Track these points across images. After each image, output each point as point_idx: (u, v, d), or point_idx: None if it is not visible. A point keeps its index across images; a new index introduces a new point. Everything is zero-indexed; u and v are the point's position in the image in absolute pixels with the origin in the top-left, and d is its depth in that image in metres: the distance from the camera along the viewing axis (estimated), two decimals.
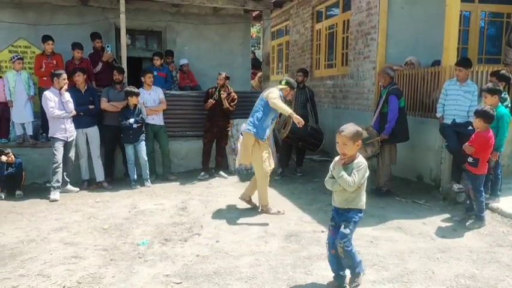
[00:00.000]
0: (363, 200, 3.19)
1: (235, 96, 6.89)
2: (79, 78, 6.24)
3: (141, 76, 6.85)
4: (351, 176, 3.03)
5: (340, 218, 3.18)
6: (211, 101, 6.70)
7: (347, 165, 3.10)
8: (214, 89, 6.83)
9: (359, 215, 3.17)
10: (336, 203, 3.23)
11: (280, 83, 5.37)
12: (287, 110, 4.92)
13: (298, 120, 4.79)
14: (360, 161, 3.10)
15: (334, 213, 3.27)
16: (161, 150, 6.91)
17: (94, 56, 7.29)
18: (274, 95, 4.96)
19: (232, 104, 6.84)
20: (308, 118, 7.13)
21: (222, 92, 6.75)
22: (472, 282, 3.37)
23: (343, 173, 3.04)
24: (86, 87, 6.37)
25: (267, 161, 5.05)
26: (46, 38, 6.67)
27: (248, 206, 5.36)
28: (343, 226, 3.12)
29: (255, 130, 5.00)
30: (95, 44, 7.30)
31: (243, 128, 5.49)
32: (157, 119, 6.80)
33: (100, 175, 6.40)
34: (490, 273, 3.52)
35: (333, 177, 3.12)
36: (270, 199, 5.31)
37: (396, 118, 5.57)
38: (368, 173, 3.14)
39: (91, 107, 6.25)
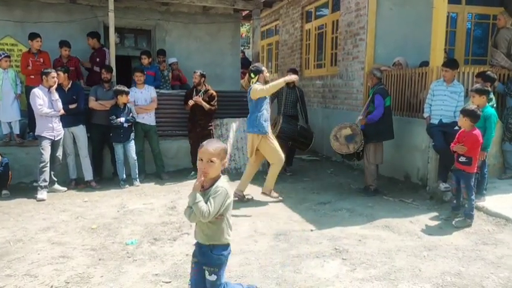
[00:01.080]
0: (228, 234, 2.66)
1: (214, 94, 6.84)
2: (58, 77, 6.08)
3: (132, 74, 6.83)
4: (207, 203, 2.47)
5: (203, 258, 2.63)
6: (191, 102, 6.66)
7: (206, 190, 2.54)
8: (191, 90, 6.80)
9: (225, 252, 2.65)
10: (197, 237, 2.68)
11: (250, 76, 5.53)
12: (279, 82, 5.41)
13: (292, 78, 5.49)
14: (220, 185, 2.53)
15: (196, 248, 2.72)
16: (152, 150, 6.88)
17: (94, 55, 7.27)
18: (258, 88, 5.35)
19: (212, 102, 6.81)
20: (298, 118, 7.18)
21: (197, 94, 6.70)
22: (458, 279, 3.42)
23: (200, 199, 2.46)
24: (69, 86, 6.28)
25: (277, 148, 5.57)
26: (34, 36, 6.58)
27: (236, 204, 5.37)
28: (207, 272, 2.62)
29: (256, 129, 5.43)
30: (92, 44, 7.26)
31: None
32: (147, 118, 6.76)
33: (88, 174, 6.35)
34: (476, 270, 3.58)
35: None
36: (258, 199, 5.54)
37: (381, 115, 5.65)
38: (230, 200, 2.58)
39: (71, 106, 6.10)
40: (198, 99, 6.64)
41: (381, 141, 5.84)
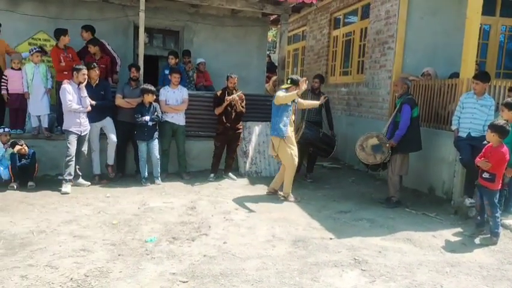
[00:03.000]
0: None
1: (243, 96, 6.89)
2: (96, 72, 6.32)
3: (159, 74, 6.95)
4: None
5: None
6: (228, 99, 6.63)
7: None
8: (221, 92, 6.79)
9: None
10: None
11: (286, 82, 5.90)
12: (291, 94, 5.62)
13: (302, 90, 5.57)
14: None
15: None
16: (178, 149, 6.94)
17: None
18: (279, 95, 5.72)
19: (242, 104, 6.85)
20: (322, 124, 7.11)
21: (234, 96, 6.70)
22: None
23: None
24: (97, 82, 6.41)
25: (293, 153, 5.83)
26: (64, 31, 6.70)
27: (256, 208, 5.41)
28: None
29: (275, 132, 5.81)
30: (86, 37, 7.22)
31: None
32: (176, 118, 6.81)
33: (110, 159, 6.55)
34: None
35: None
36: (277, 205, 5.61)
37: (408, 127, 5.54)
38: None
39: (93, 102, 6.18)
40: (236, 97, 6.68)
41: (408, 152, 5.72)
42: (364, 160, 5.72)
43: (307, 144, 6.67)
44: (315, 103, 6.42)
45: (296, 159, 5.86)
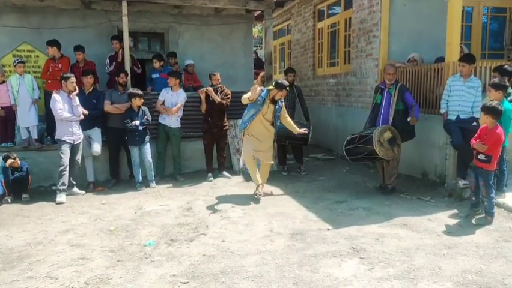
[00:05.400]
0: None
1: (228, 92, 6.88)
2: (90, 80, 6.34)
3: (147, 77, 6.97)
4: None
5: None
6: (202, 90, 6.68)
7: None
8: (203, 89, 6.79)
9: None
10: None
11: (273, 86, 5.76)
12: (244, 97, 5.65)
13: (253, 97, 5.54)
14: None
15: None
16: (172, 151, 6.93)
17: (113, 57, 7.38)
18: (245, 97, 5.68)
19: (225, 97, 6.81)
20: (294, 117, 7.08)
21: (207, 87, 6.72)
22: (479, 277, 3.36)
23: None
24: (91, 90, 6.40)
25: (243, 144, 5.92)
26: (47, 43, 6.71)
27: (252, 204, 5.43)
28: None
29: (239, 123, 5.92)
30: (114, 45, 7.34)
31: None
32: (169, 120, 6.79)
33: (90, 176, 6.51)
34: (497, 268, 3.51)
35: None
36: (274, 198, 5.65)
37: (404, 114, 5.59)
38: None
39: (85, 112, 6.16)
40: (210, 88, 6.67)
41: (411, 138, 5.76)
42: (385, 156, 5.42)
43: (281, 138, 6.59)
44: (295, 128, 5.95)
45: (245, 157, 5.95)
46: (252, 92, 5.57)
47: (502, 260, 3.66)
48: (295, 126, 5.99)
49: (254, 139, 5.74)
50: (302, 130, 6.02)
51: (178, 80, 6.91)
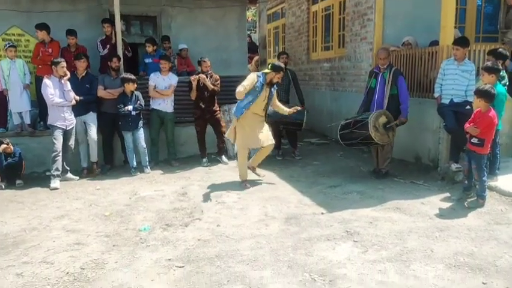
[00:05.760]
0: None
1: (217, 77, 6.81)
2: (83, 64, 6.25)
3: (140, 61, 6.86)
4: None
5: None
6: (194, 77, 6.53)
7: None
8: (194, 78, 6.66)
9: None
10: None
11: (267, 67, 5.69)
12: (240, 90, 5.32)
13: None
14: None
15: None
16: (166, 136, 6.90)
17: (105, 41, 7.28)
18: (244, 81, 5.43)
19: (215, 83, 6.75)
20: (288, 102, 7.06)
21: (200, 74, 6.61)
22: (471, 259, 3.42)
23: None
24: (84, 74, 6.32)
25: (239, 137, 5.62)
26: (36, 27, 6.60)
27: (247, 190, 5.45)
28: None
29: (233, 109, 5.67)
30: (106, 29, 7.23)
31: None
32: (163, 105, 6.74)
33: (93, 157, 6.43)
34: (489, 250, 3.57)
35: None
36: (268, 183, 5.66)
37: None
38: None
39: (77, 98, 6.09)
40: (203, 76, 6.58)
41: (405, 123, 5.75)
42: (380, 141, 5.42)
43: (275, 123, 6.57)
44: (286, 110, 5.90)
45: (243, 142, 5.61)
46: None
47: (494, 242, 3.72)
48: (285, 108, 5.94)
49: (249, 130, 5.55)
50: (292, 109, 5.92)
51: (170, 64, 6.84)
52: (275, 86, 5.75)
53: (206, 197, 5.19)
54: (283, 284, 3.10)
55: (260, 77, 5.50)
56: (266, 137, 5.69)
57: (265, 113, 5.73)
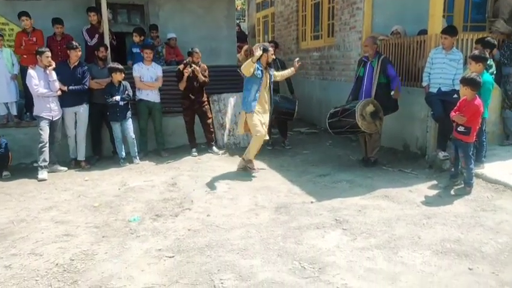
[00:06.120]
0: None
1: (205, 67, 6.77)
2: (79, 53, 6.13)
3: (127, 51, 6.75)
4: None
5: None
6: (187, 70, 6.45)
7: None
8: (184, 67, 6.59)
9: None
10: None
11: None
12: (247, 62, 5.33)
13: (256, 51, 5.32)
14: None
15: None
16: (154, 126, 6.86)
17: (91, 30, 7.14)
18: (242, 66, 5.45)
19: (205, 74, 6.71)
20: (278, 91, 7.06)
21: (194, 66, 6.54)
22: (457, 245, 3.48)
23: None
24: (76, 64, 6.20)
25: (258, 126, 5.57)
26: (21, 14, 6.46)
27: (237, 179, 5.46)
28: None
29: (244, 107, 5.63)
30: (91, 18, 7.10)
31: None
32: (151, 95, 6.69)
33: (81, 155, 6.32)
34: (475, 236, 3.63)
35: None
36: (258, 174, 5.71)
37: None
38: None
39: (64, 88, 5.99)
40: (197, 68, 6.53)
41: (394, 111, 5.80)
42: (367, 130, 5.46)
43: None
44: (290, 72, 6.09)
45: (261, 130, 5.60)
46: (255, 52, 5.39)
47: (480, 228, 3.78)
48: (287, 71, 6.05)
49: (261, 116, 5.63)
50: (297, 64, 5.99)
51: (152, 52, 6.74)
52: (272, 67, 5.81)
53: (196, 187, 5.19)
54: (273, 273, 3.13)
55: (256, 64, 5.43)
56: (266, 125, 5.78)
57: (270, 98, 5.76)
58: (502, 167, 5.17)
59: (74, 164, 6.32)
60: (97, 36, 7.07)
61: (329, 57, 8.53)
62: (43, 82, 5.81)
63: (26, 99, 6.59)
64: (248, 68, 5.34)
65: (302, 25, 9.91)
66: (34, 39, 6.55)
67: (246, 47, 9.46)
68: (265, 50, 5.54)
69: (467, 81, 4.47)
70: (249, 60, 5.36)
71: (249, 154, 5.73)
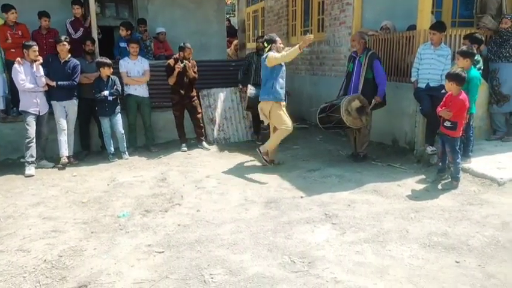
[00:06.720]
0: None
1: (194, 62, 6.74)
2: (64, 47, 5.99)
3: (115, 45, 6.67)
4: None
5: None
6: (178, 66, 6.39)
7: None
8: (174, 62, 6.53)
9: None
10: None
11: (264, 47, 5.75)
12: (294, 49, 5.24)
13: (306, 42, 5.18)
14: None
15: None
16: (144, 121, 6.81)
17: (75, 23, 7.02)
18: (274, 56, 5.41)
19: (195, 70, 6.69)
20: None
21: (186, 62, 6.50)
22: (444, 239, 3.52)
23: None
24: (67, 58, 6.08)
25: (286, 118, 5.60)
26: (8, 7, 6.33)
27: (226, 174, 5.47)
28: None
29: (271, 96, 5.50)
30: (75, 11, 6.99)
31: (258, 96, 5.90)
32: (140, 90, 6.64)
33: (70, 150, 6.20)
34: (461, 230, 3.68)
35: None
36: (248, 169, 5.70)
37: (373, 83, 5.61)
38: None
39: (52, 83, 5.89)
40: (188, 63, 6.49)
41: (382, 106, 5.80)
42: (353, 125, 5.48)
43: (255, 106, 6.56)
44: (296, 49, 5.29)
45: (289, 122, 5.60)
46: (304, 38, 5.22)
47: (466, 222, 3.84)
48: (293, 48, 5.36)
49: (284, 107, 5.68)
50: (307, 37, 5.42)
51: (138, 46, 6.67)
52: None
53: (185, 183, 5.17)
54: (263, 267, 3.14)
55: (274, 53, 5.48)
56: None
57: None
58: (489, 162, 5.24)
59: (69, 160, 6.10)
60: (81, 29, 6.97)
61: (319, 52, 8.54)
62: (30, 77, 5.72)
63: (12, 94, 6.48)
64: (293, 56, 5.32)
65: (292, 20, 9.89)
66: (20, 32, 6.42)
67: (235, 41, 9.45)
68: (271, 42, 5.60)
69: (452, 77, 4.52)
70: (296, 47, 5.22)
71: (268, 145, 5.73)
